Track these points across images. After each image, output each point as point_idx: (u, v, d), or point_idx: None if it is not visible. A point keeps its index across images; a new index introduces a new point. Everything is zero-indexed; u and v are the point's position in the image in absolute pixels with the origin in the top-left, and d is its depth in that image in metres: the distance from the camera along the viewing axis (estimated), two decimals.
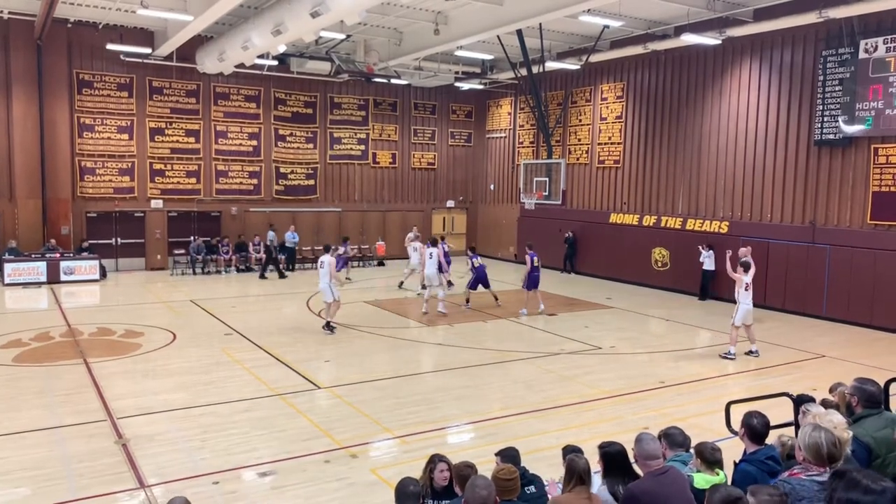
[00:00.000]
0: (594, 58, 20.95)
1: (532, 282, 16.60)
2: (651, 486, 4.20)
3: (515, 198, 26.63)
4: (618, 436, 6.36)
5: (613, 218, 22.37)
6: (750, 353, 12.80)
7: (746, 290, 12.57)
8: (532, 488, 4.95)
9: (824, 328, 15.68)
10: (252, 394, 10.09)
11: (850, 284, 16.00)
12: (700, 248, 18.61)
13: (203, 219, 23.69)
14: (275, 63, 22.69)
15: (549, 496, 4.57)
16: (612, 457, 4.61)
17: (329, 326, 14.15)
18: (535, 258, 16.62)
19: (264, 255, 22.59)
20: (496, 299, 17.41)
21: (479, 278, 17.29)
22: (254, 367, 11.55)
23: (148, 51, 21.49)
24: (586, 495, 4.32)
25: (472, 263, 17.60)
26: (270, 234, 22.62)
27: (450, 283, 18.89)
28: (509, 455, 5.07)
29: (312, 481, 7.16)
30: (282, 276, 22.10)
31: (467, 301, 17.23)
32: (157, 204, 23.02)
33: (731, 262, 13.18)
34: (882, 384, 5.39)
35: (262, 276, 21.94)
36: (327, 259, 14.29)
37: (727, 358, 12.57)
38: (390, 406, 9.66)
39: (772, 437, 5.09)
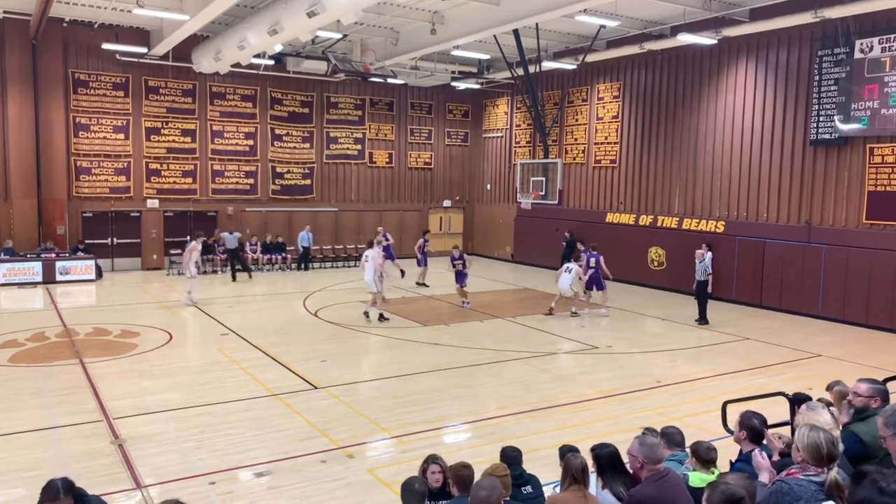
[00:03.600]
0: (590, 57, 20.95)
1: (592, 282, 16.63)
2: (655, 492, 4.19)
3: (512, 197, 26.62)
4: (615, 435, 6.39)
5: (610, 217, 22.38)
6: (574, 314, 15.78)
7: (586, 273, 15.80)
8: (529, 488, 4.98)
9: (820, 327, 15.72)
10: (249, 394, 10.08)
11: (846, 284, 16.05)
12: (703, 246, 18.53)
13: (199, 218, 23.62)
14: (271, 62, 22.64)
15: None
16: (605, 459, 4.61)
17: (381, 317, 15.26)
18: (593, 260, 16.60)
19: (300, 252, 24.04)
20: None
21: (593, 279, 16.81)
22: (250, 367, 11.53)
23: (144, 50, 21.43)
24: (582, 494, 4.33)
25: (590, 263, 16.87)
26: (302, 234, 23.84)
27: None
28: (509, 455, 5.11)
29: (309, 481, 7.16)
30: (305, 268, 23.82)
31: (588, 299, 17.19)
32: (153, 204, 22.98)
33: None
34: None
35: (305, 270, 23.69)
36: (371, 253, 15.31)
37: (575, 316, 15.97)
38: (387, 406, 9.66)
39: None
